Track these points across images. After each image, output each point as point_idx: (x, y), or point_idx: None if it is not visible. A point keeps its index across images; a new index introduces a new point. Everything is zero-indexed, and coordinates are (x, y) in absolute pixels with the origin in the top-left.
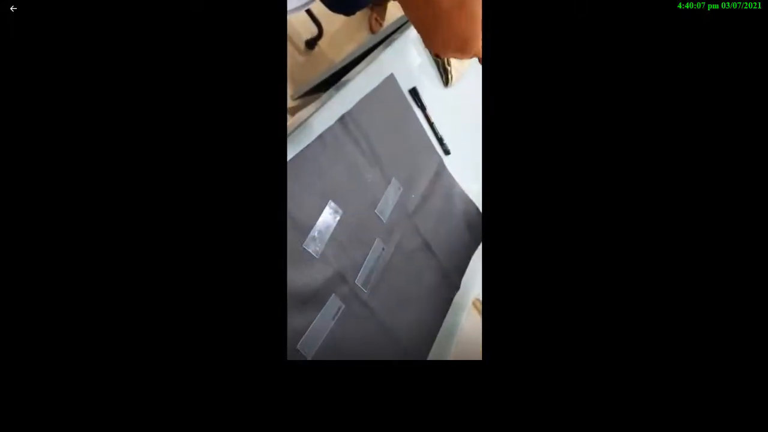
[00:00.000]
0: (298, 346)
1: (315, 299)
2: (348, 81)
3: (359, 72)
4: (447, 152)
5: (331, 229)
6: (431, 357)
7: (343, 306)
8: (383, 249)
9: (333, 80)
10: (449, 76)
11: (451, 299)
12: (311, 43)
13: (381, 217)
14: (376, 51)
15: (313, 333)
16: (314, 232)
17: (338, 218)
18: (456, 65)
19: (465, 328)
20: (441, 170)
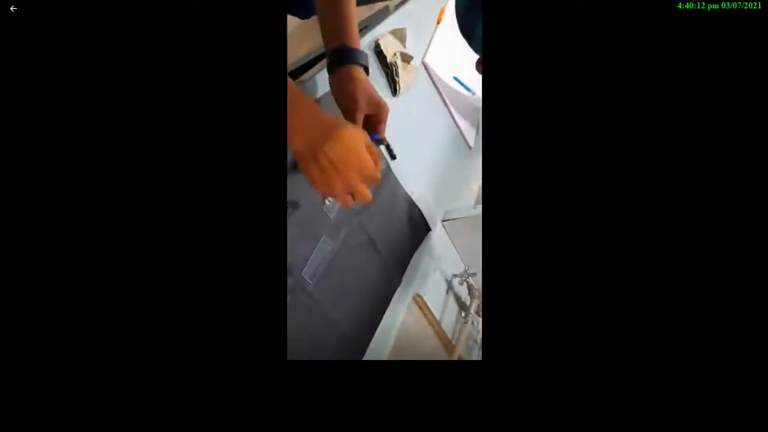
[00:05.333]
0: None
1: None
2: (301, 84)
3: (312, 77)
4: (393, 157)
5: None
6: (370, 348)
7: (289, 297)
8: (329, 244)
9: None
10: (397, 87)
11: (393, 294)
12: None
13: (329, 215)
14: None
15: None
16: None
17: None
18: (404, 76)
19: (406, 322)
20: (387, 173)
